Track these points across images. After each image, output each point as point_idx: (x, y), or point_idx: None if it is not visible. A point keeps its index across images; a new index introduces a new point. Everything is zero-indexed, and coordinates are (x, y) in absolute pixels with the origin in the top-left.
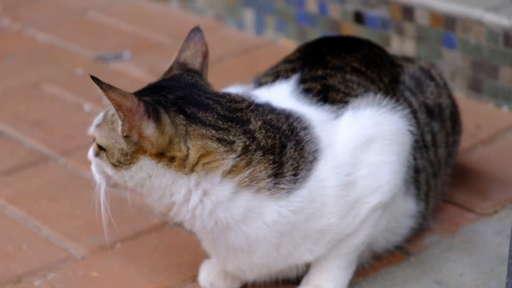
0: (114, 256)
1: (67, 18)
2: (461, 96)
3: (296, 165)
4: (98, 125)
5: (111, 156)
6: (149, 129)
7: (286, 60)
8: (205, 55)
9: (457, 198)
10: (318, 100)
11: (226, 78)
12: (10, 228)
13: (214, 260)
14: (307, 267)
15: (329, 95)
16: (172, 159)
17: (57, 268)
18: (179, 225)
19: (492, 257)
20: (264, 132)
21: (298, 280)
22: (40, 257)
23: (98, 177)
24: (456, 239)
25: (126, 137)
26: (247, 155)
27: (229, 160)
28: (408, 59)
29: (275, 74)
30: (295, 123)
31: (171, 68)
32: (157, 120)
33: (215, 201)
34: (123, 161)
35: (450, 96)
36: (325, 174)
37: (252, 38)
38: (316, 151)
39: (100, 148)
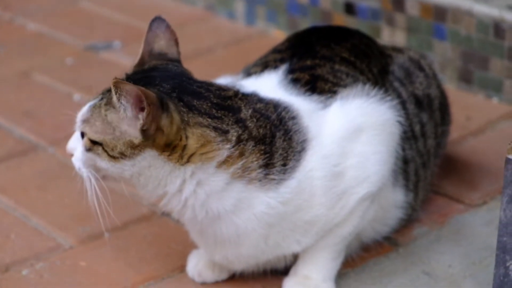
0: (103, 246)
1: (58, 7)
2: (451, 87)
3: (285, 155)
4: (85, 121)
5: (111, 149)
6: (163, 119)
7: (275, 50)
8: (177, 43)
9: (446, 189)
10: (306, 90)
11: (216, 69)
12: None
13: (202, 251)
14: (295, 257)
15: (318, 85)
16: (173, 149)
17: (45, 257)
18: (168, 214)
19: (481, 248)
20: (255, 121)
21: (286, 270)
22: (28, 247)
23: (85, 171)
24: (445, 230)
25: (144, 130)
26: (240, 145)
27: (224, 151)
28: (398, 50)
29: (264, 64)
30: (283, 113)
31: (142, 60)
32: (166, 109)
33: (209, 191)
34: (128, 153)
35: (439, 86)
36: (313, 165)
37: (243, 28)
38: (304, 141)
39: (94, 143)
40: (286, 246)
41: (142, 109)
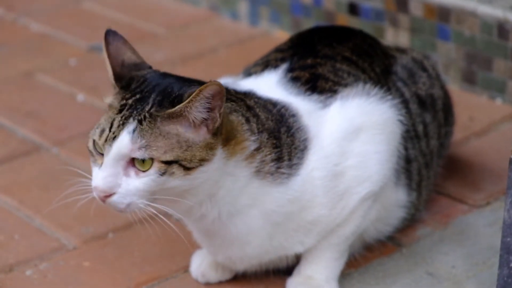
0: (106, 246)
1: (61, 8)
2: (454, 88)
3: (289, 151)
4: (146, 146)
5: (190, 161)
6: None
7: (277, 49)
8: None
9: (449, 190)
10: (307, 89)
11: (219, 69)
12: (2, 218)
13: (205, 251)
14: (298, 257)
15: (318, 84)
16: (228, 143)
17: (49, 257)
18: (171, 215)
19: (484, 249)
20: (262, 110)
21: (288, 269)
22: (32, 247)
23: (138, 203)
24: (449, 230)
25: (217, 128)
26: (258, 137)
27: (251, 142)
28: (401, 50)
29: (265, 64)
30: (282, 110)
31: (117, 75)
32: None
33: (234, 188)
34: (208, 157)
35: (442, 87)
36: (314, 164)
37: (246, 29)
38: (305, 139)
39: (168, 163)
40: (289, 247)
41: (213, 107)
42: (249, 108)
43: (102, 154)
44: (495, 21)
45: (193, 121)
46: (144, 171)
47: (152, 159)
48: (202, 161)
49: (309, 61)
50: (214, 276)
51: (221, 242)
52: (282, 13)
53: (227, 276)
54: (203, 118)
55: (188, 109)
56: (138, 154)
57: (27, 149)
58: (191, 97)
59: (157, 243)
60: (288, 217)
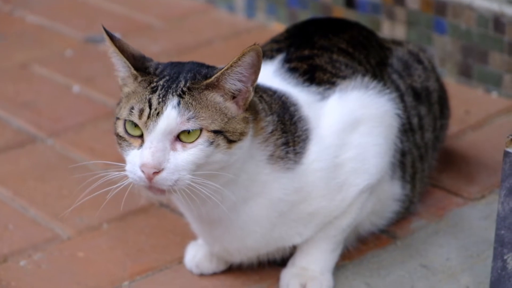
0: (101, 237)
1: None
2: (450, 81)
3: (293, 138)
4: (194, 117)
5: (232, 133)
6: None
7: (273, 40)
8: None
9: (444, 183)
10: (305, 80)
11: (216, 61)
12: None
13: (200, 242)
14: (293, 248)
15: (316, 75)
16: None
17: (43, 248)
18: (167, 206)
19: (479, 242)
20: (265, 94)
21: (283, 260)
22: (26, 237)
23: (186, 179)
24: (443, 223)
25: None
26: (271, 119)
27: (267, 123)
28: (398, 43)
29: None
30: (283, 98)
31: (138, 66)
32: None
33: (254, 170)
34: (247, 130)
35: (438, 80)
36: (315, 155)
37: (242, 21)
38: (307, 130)
39: (216, 132)
40: (288, 238)
41: (248, 79)
42: (254, 91)
43: (138, 136)
44: (491, 14)
45: (229, 92)
46: (191, 142)
47: (200, 130)
48: (242, 135)
49: (306, 52)
50: (208, 267)
51: (222, 232)
52: (279, 5)
53: (222, 267)
54: (237, 89)
55: (225, 76)
56: (188, 126)
57: (22, 140)
58: (230, 63)
59: (151, 234)
60: (292, 207)
